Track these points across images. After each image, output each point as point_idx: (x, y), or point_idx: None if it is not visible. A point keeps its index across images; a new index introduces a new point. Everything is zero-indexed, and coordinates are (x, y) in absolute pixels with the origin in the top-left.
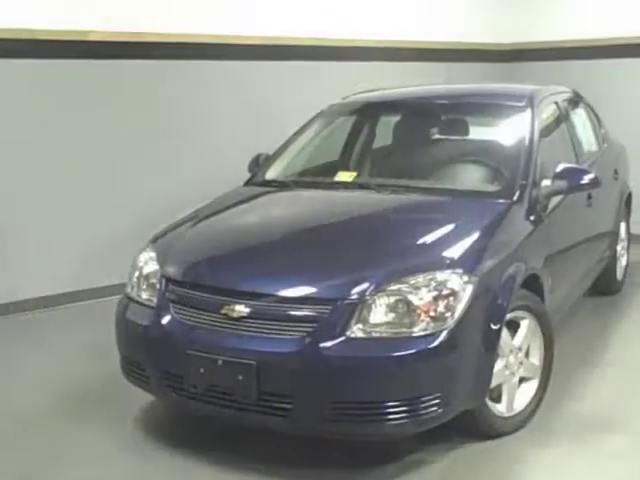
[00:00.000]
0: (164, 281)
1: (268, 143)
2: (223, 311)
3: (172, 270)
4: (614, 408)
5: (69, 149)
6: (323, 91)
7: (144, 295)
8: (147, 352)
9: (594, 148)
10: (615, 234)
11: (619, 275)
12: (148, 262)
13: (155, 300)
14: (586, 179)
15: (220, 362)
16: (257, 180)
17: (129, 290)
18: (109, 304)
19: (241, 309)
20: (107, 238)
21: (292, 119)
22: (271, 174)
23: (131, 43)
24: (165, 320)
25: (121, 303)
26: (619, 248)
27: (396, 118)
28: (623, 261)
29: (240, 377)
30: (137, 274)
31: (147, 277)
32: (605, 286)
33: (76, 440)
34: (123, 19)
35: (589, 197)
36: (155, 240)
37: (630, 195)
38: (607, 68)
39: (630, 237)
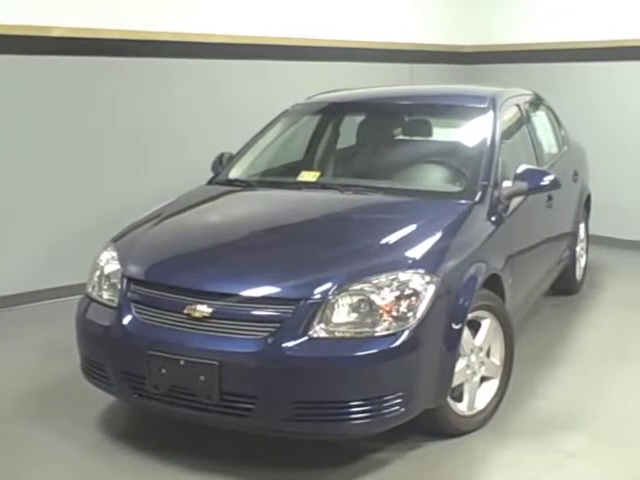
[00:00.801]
0: (125, 281)
1: (232, 142)
2: (185, 311)
3: (134, 270)
4: (573, 408)
5: (31, 146)
6: (287, 91)
7: (105, 295)
8: (108, 353)
9: (554, 150)
10: (574, 235)
11: (578, 275)
12: (109, 261)
13: (116, 300)
14: (546, 180)
15: (182, 362)
16: (220, 179)
17: (90, 290)
18: (69, 304)
19: (203, 309)
20: (68, 237)
21: (256, 118)
22: (234, 173)
23: (95, 40)
24: (126, 320)
25: (82, 303)
26: (578, 249)
27: (360, 118)
28: (582, 262)
29: (202, 377)
30: (98, 274)
31: (108, 277)
32: (565, 286)
33: (36, 441)
34: (87, 15)
35: (549, 198)
36: (116, 239)
37: (589, 197)
38: (566, 71)
39: (589, 238)
